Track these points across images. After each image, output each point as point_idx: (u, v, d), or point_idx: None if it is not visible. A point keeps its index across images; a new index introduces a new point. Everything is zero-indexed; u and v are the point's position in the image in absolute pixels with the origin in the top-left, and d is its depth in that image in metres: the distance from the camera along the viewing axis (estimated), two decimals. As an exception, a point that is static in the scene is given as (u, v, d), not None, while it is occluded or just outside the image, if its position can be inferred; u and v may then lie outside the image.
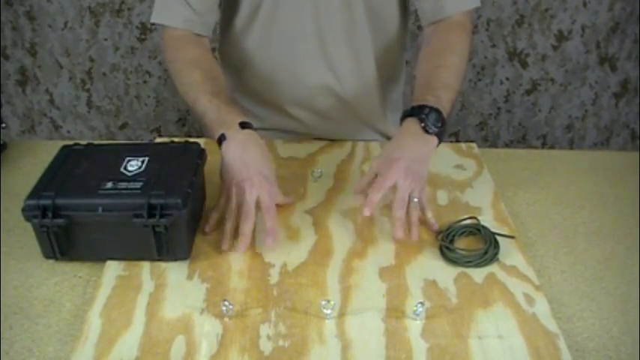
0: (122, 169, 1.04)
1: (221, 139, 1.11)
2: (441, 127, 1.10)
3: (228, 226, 1.06)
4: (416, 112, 1.11)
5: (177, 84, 1.24)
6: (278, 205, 1.10)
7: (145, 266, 1.02)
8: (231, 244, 1.05)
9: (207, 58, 1.27)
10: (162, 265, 1.02)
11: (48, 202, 0.98)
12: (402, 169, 1.06)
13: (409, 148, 1.09)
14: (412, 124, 1.11)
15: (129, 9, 2.34)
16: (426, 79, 1.20)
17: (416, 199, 1.07)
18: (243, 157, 1.09)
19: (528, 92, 2.53)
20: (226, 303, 0.91)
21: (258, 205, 1.05)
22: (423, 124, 1.09)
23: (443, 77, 1.19)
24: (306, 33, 1.29)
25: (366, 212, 1.05)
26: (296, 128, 1.43)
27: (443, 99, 1.14)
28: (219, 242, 1.06)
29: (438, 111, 1.11)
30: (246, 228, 1.04)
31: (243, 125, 1.12)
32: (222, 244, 1.05)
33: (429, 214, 1.11)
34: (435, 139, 1.10)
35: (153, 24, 1.31)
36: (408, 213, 1.06)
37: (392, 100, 1.50)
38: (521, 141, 2.66)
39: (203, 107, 1.16)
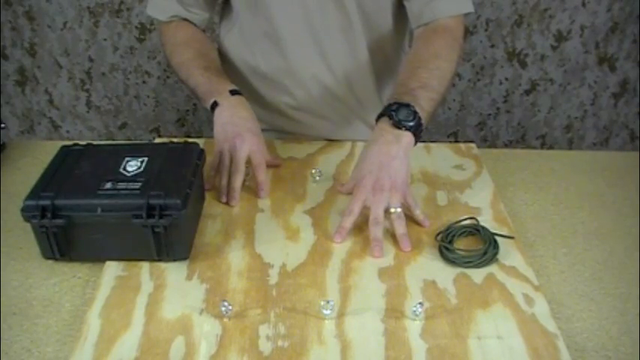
0: (121, 170, 1.04)
1: (214, 106, 1.19)
2: (414, 122, 1.07)
3: (224, 181, 1.16)
4: (385, 110, 1.10)
5: (172, 65, 1.33)
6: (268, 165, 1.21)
7: (145, 267, 1.02)
8: (230, 198, 1.15)
9: (198, 37, 1.35)
10: (162, 265, 1.02)
11: (47, 202, 0.98)
12: (369, 186, 1.05)
13: (376, 156, 1.07)
14: (382, 122, 1.10)
15: (128, 9, 2.34)
16: (403, 80, 1.18)
17: (399, 209, 1.05)
18: (233, 119, 1.17)
19: (527, 92, 2.53)
20: (225, 303, 0.91)
21: (248, 162, 1.15)
22: (392, 121, 1.07)
23: (422, 77, 1.16)
24: (303, 35, 1.29)
25: (337, 239, 1.06)
26: (294, 129, 1.43)
27: (419, 97, 1.11)
28: (218, 242, 1.07)
29: (408, 106, 1.08)
30: (237, 182, 1.14)
31: (233, 92, 1.21)
32: (221, 198, 1.16)
33: (417, 212, 1.09)
34: (408, 135, 1.07)
35: (152, 24, 1.35)
36: (392, 226, 1.06)
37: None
38: (520, 141, 2.66)
39: (195, 81, 1.25)
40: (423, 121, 1.09)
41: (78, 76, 2.50)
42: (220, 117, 1.18)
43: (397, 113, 1.08)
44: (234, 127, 1.16)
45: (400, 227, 1.05)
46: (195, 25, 1.36)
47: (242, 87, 1.36)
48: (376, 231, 1.04)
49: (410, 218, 1.10)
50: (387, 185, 1.05)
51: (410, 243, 1.05)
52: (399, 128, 1.07)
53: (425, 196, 1.19)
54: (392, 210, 1.05)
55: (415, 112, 1.08)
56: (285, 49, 1.31)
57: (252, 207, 1.16)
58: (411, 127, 1.07)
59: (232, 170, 1.15)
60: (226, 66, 1.41)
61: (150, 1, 1.36)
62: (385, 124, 1.09)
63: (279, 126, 1.43)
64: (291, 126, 1.43)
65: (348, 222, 1.06)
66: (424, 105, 1.10)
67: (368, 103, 1.42)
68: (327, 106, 1.39)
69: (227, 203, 1.15)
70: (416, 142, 1.09)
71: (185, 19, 1.35)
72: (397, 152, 1.06)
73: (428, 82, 1.15)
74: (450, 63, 1.21)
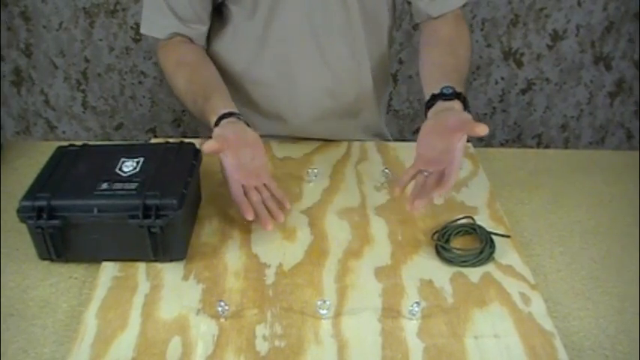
0: (117, 170, 1.04)
1: None
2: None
3: (265, 209, 1.07)
4: (461, 97, 1.10)
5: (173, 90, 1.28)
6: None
7: (141, 267, 1.02)
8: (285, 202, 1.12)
9: (187, 59, 1.26)
10: (158, 265, 1.02)
11: (43, 203, 0.97)
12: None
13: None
14: (460, 106, 1.09)
15: (124, 9, 2.33)
16: (453, 67, 1.20)
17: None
18: (232, 165, 1.07)
19: (523, 92, 2.53)
20: (222, 303, 0.91)
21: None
22: (464, 105, 1.09)
23: (462, 71, 1.20)
24: (303, 36, 1.28)
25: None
26: (293, 133, 1.42)
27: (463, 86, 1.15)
28: (215, 243, 1.07)
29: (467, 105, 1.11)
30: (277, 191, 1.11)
31: (216, 123, 1.10)
32: (267, 225, 1.05)
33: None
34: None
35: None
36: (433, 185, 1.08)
37: (384, 102, 1.50)
38: (516, 140, 2.66)
39: (197, 116, 1.20)
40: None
41: (74, 77, 2.49)
42: (224, 160, 1.08)
43: (468, 108, 1.09)
44: (244, 170, 1.08)
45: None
46: (191, 40, 1.29)
47: (236, 94, 1.34)
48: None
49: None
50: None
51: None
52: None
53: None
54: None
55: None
56: (286, 49, 1.29)
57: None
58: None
59: (263, 188, 1.10)
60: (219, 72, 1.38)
61: (144, 19, 1.28)
62: (460, 107, 1.09)
63: (278, 131, 1.41)
64: (291, 128, 1.41)
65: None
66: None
67: (366, 104, 1.42)
68: (327, 108, 1.38)
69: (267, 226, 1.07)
70: None
71: (182, 35, 1.28)
72: None
73: (465, 78, 1.20)
74: (470, 49, 1.29)
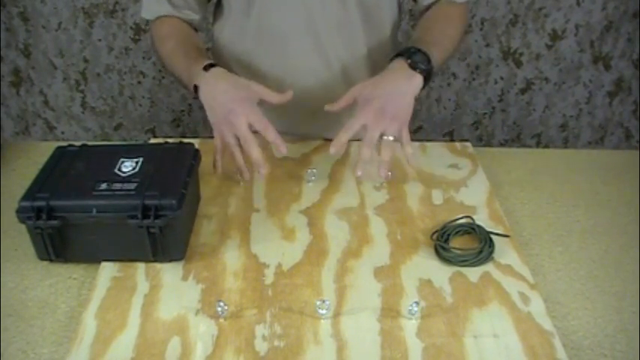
0: (116, 170, 1.04)
1: (196, 90, 1.17)
2: (427, 67, 1.14)
3: (240, 161, 1.14)
4: (403, 51, 1.17)
5: (160, 58, 1.35)
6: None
7: (140, 267, 1.02)
8: (251, 173, 1.17)
9: (181, 27, 1.34)
10: (157, 266, 1.02)
11: (42, 203, 0.97)
12: (373, 110, 1.10)
13: (388, 86, 1.13)
14: (398, 61, 1.16)
15: (123, 9, 2.33)
16: (417, 37, 1.26)
17: (391, 138, 1.10)
18: (216, 95, 1.15)
19: (523, 91, 2.54)
20: (221, 304, 0.91)
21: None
22: (409, 61, 1.14)
23: (435, 36, 1.25)
24: (300, 30, 1.28)
25: (332, 151, 1.12)
26: (292, 129, 1.42)
27: (433, 51, 1.18)
28: (214, 243, 1.07)
29: (425, 54, 1.15)
30: (255, 153, 1.10)
31: (207, 67, 1.18)
32: (244, 176, 1.16)
33: (408, 148, 1.12)
34: (419, 77, 1.14)
35: (147, 24, 1.35)
36: (380, 151, 1.11)
37: None
38: (515, 140, 2.66)
39: (178, 69, 1.26)
40: (435, 70, 1.17)
41: (73, 77, 2.49)
42: (205, 99, 1.15)
43: (414, 55, 1.15)
44: (222, 105, 1.13)
45: (386, 154, 1.11)
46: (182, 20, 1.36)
47: None
48: (366, 152, 1.09)
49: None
50: (390, 114, 1.10)
51: (387, 172, 1.14)
52: (414, 69, 1.14)
53: (420, 195, 1.19)
54: (384, 137, 1.10)
55: (429, 60, 1.15)
56: (283, 44, 1.30)
57: (248, 207, 1.15)
58: (424, 70, 1.14)
59: (243, 145, 1.12)
60: (221, 65, 1.40)
61: (143, 4, 1.36)
62: (401, 63, 1.15)
63: (279, 126, 1.41)
64: (288, 125, 1.42)
65: (345, 137, 1.11)
66: (436, 56, 1.18)
67: None
68: (324, 102, 1.38)
69: (245, 177, 1.16)
70: (424, 86, 1.15)
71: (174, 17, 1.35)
72: (407, 89, 1.13)
73: (440, 41, 1.24)
74: (459, 30, 1.32)
